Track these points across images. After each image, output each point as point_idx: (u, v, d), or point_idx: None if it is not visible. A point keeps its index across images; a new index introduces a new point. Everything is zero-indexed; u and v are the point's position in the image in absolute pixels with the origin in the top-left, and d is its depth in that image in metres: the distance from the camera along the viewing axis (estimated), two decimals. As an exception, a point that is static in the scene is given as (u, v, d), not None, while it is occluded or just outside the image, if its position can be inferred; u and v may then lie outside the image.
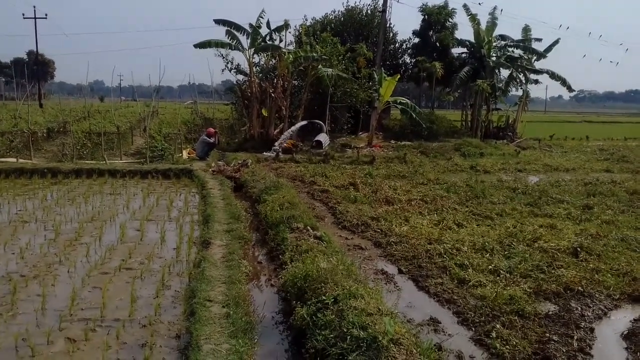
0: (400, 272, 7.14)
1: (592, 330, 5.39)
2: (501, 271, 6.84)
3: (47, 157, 17.24)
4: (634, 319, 5.68)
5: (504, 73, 30.71)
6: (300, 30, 25.90)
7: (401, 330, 4.61)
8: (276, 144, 18.96)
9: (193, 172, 14.03)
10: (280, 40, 22.78)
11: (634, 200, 11.78)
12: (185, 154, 17.85)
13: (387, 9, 29.05)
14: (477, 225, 9.30)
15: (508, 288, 6.24)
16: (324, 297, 5.21)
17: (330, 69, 21.92)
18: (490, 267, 6.99)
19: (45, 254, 7.30)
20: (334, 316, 4.85)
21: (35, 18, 50.45)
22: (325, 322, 4.82)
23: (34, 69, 62.36)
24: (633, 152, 22.84)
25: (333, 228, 9.31)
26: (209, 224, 8.60)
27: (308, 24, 29.05)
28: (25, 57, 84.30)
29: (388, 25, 30.69)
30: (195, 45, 21.51)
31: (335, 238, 8.42)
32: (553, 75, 29.63)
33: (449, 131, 27.40)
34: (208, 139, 17.86)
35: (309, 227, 8.11)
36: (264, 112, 21.98)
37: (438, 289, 6.40)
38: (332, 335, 4.56)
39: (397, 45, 32.85)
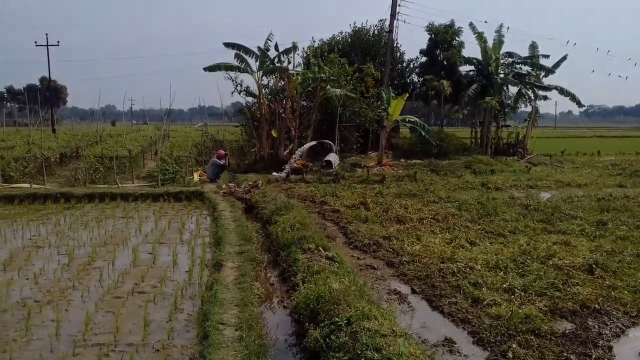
0: (413, 291, 7.08)
1: (610, 348, 5.29)
2: (516, 289, 6.76)
3: (60, 182, 17.43)
4: (653, 337, 5.58)
5: (513, 90, 30.75)
6: (308, 52, 26.19)
7: (416, 351, 4.58)
8: (286, 165, 19.04)
9: (204, 194, 14.11)
10: (289, 62, 23.11)
11: (650, 216, 11.62)
12: (196, 177, 17.97)
13: (394, 29, 29.26)
14: (490, 243, 9.21)
15: (523, 307, 6.16)
16: (337, 319, 5.19)
17: (339, 89, 22.08)
18: (504, 285, 6.91)
19: (59, 279, 7.34)
20: (347, 338, 4.82)
21: (47, 45, 51.52)
22: (339, 344, 4.79)
23: (47, 95, 63.48)
24: (646, 167, 22.59)
25: (345, 248, 9.28)
26: (220, 246, 8.62)
27: (316, 45, 29.36)
28: (38, 83, 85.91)
29: (395, 45, 30.89)
30: (205, 69, 21.84)
31: (347, 258, 8.39)
32: (562, 91, 29.60)
33: (459, 149, 27.31)
34: (218, 161, 17.98)
35: (320, 248, 8.10)
36: (274, 133, 22.12)
37: (452, 308, 6.33)
38: (346, 358, 4.53)
39: (404, 64, 33.03)
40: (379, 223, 10.90)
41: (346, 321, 5.14)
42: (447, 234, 9.92)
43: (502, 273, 7.46)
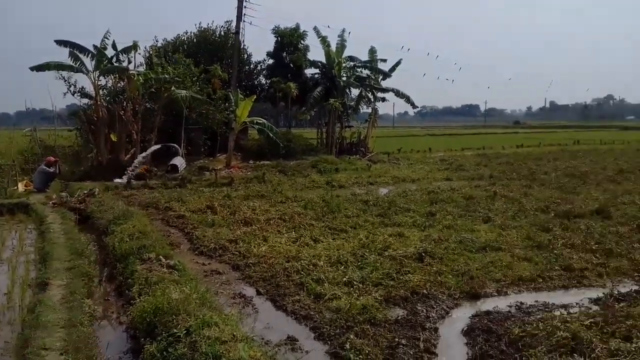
0: (258, 293, 7.08)
1: (436, 330, 5.78)
2: (355, 282, 7.08)
3: None
4: (472, 315, 6.20)
5: (355, 92, 32.41)
6: (151, 52, 25.05)
7: (257, 354, 4.56)
8: (128, 170, 17.93)
9: (30, 206, 12.71)
10: (129, 62, 21.86)
11: (470, 205, 12.94)
12: (21, 187, 16.11)
13: (241, 30, 29.31)
14: (333, 239, 9.57)
15: (361, 298, 6.47)
16: (175, 330, 4.98)
17: (184, 91, 21.43)
18: (344, 279, 7.20)
19: None
20: (186, 349, 4.65)
21: None
22: (177, 356, 4.62)
23: None
24: (469, 161, 25.32)
25: (189, 255, 8.99)
26: (47, 263, 7.81)
27: (159, 45, 28.19)
28: None
29: (242, 46, 30.94)
30: (32, 68, 19.82)
31: (191, 265, 8.12)
32: (398, 93, 31.89)
33: (306, 149, 28.07)
34: (47, 168, 16.34)
35: (161, 257, 7.72)
36: (113, 137, 20.78)
37: (295, 306, 6.44)
38: (183, 370, 4.34)
39: (252, 66, 33.17)
40: (226, 226, 10.73)
41: (185, 331, 4.95)
42: (293, 233, 10.09)
43: (342, 267, 7.77)
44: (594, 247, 8.84)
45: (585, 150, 31.91)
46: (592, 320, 5.62)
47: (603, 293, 6.79)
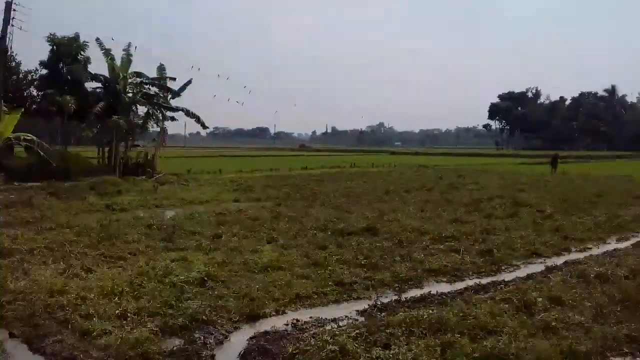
0: (12, 336, 6.15)
1: (213, 357, 5.68)
2: (129, 314, 6.61)
3: None
4: (250, 337, 6.24)
5: (142, 110, 31.06)
6: None
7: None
8: None
9: None
10: None
11: (255, 226, 13.15)
12: None
13: (8, 35, 25.94)
14: (108, 268, 8.83)
15: (135, 331, 6.05)
16: None
17: None
18: (117, 311, 6.67)
19: None
20: None
21: None
22: None
23: None
24: (258, 182, 25.96)
25: None
26: None
27: None
28: None
29: (9, 53, 27.45)
30: None
31: None
32: (188, 113, 31.44)
33: (86, 169, 25.77)
34: None
35: None
36: None
37: (57, 347, 5.75)
38: None
39: (21, 75, 29.71)
40: (-27, 260, 9.14)
41: None
42: (62, 263, 9.05)
43: (117, 298, 7.20)
44: (362, 262, 9.68)
45: (360, 173, 35.34)
46: (357, 331, 6.11)
47: (368, 304, 7.47)
